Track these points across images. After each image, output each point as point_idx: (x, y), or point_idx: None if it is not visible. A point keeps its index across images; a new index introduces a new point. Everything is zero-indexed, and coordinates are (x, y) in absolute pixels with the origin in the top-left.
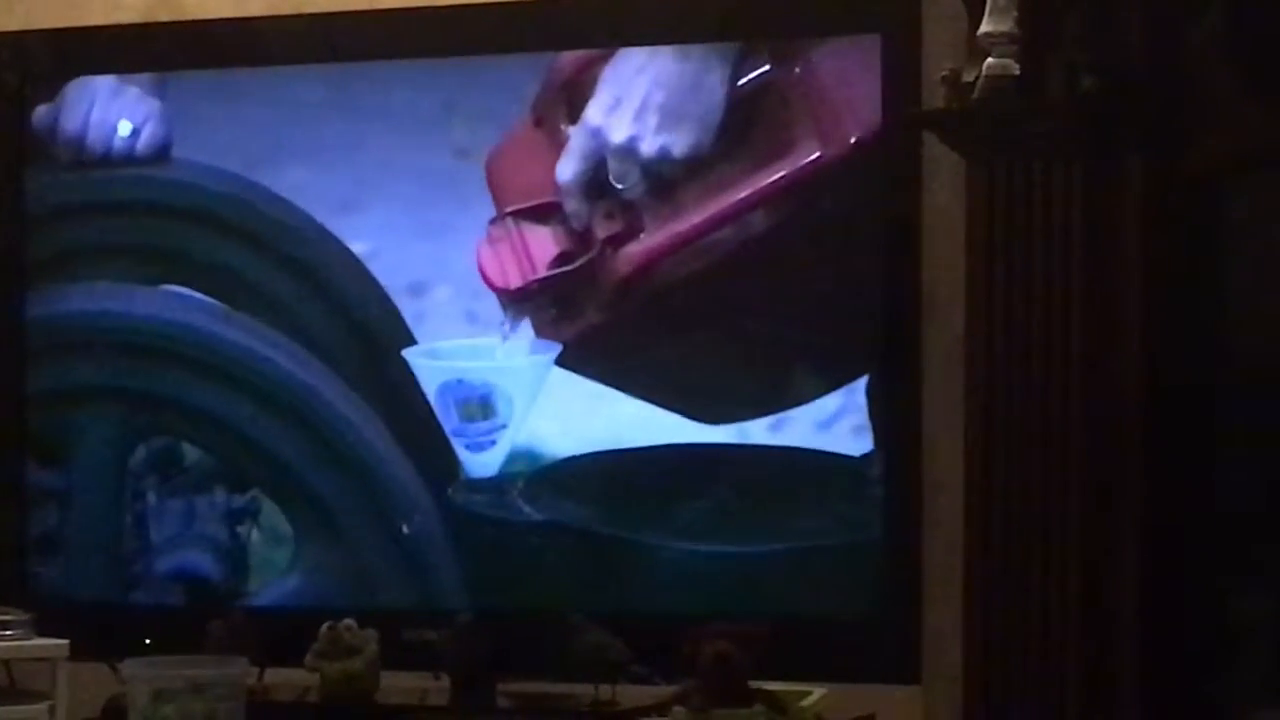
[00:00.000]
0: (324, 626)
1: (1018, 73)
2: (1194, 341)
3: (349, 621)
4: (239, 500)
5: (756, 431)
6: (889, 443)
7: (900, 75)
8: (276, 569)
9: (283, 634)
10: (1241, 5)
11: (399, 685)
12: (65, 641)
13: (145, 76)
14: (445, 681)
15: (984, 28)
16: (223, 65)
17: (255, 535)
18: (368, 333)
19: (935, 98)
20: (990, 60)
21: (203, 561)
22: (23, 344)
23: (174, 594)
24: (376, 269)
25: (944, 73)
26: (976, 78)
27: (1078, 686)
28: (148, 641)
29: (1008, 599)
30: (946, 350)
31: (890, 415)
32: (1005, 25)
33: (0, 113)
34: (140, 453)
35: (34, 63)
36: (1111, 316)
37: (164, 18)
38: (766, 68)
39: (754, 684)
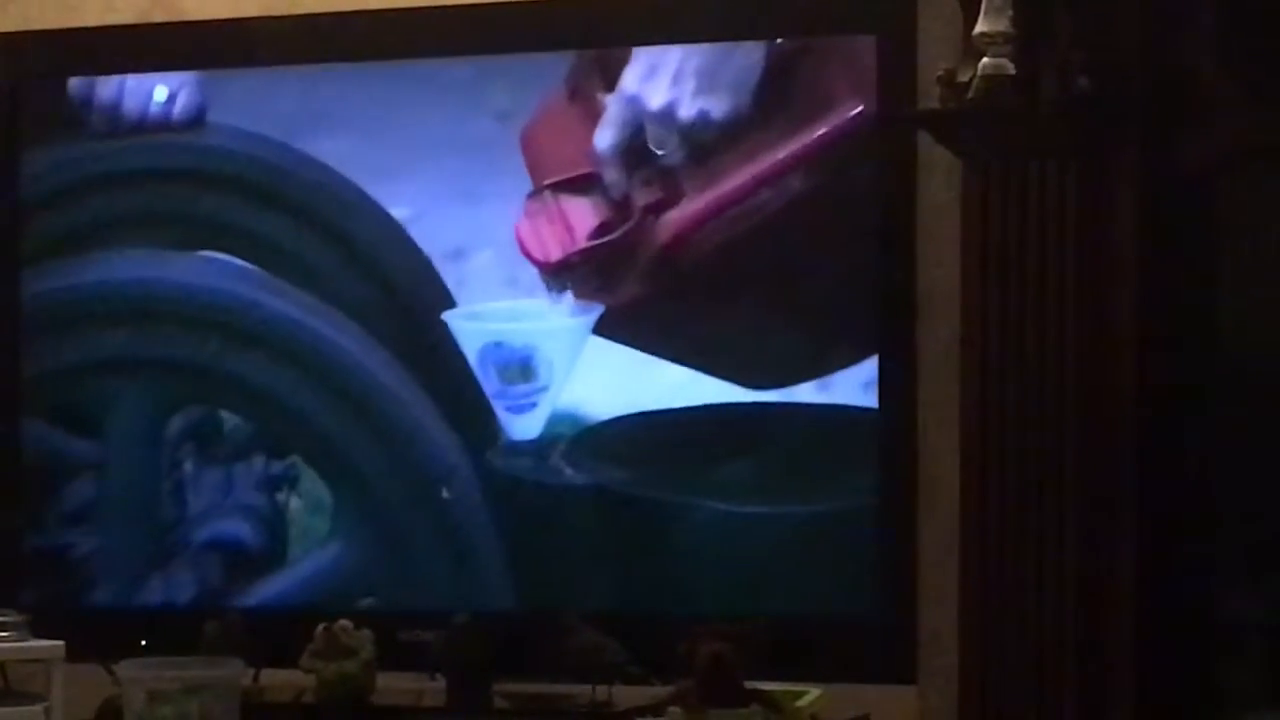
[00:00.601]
0: (319, 627)
1: (1013, 72)
2: (1188, 340)
3: (345, 622)
4: (277, 467)
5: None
6: (885, 439)
7: (896, 74)
8: (316, 537)
9: (278, 635)
10: (1234, 5)
11: (395, 686)
12: (61, 643)
13: None
14: (441, 682)
15: (979, 27)
16: (220, 66)
17: (294, 503)
18: (407, 298)
19: (931, 97)
20: (985, 60)
21: (241, 530)
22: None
23: (212, 565)
24: (416, 234)
25: (939, 72)
26: (972, 77)
27: (1073, 687)
28: (144, 643)
29: (1003, 599)
30: (942, 349)
31: (886, 413)
32: (1000, 25)
33: None
34: (177, 421)
35: (28, 63)
36: (1106, 316)
37: (159, 18)
38: None
39: (749, 684)
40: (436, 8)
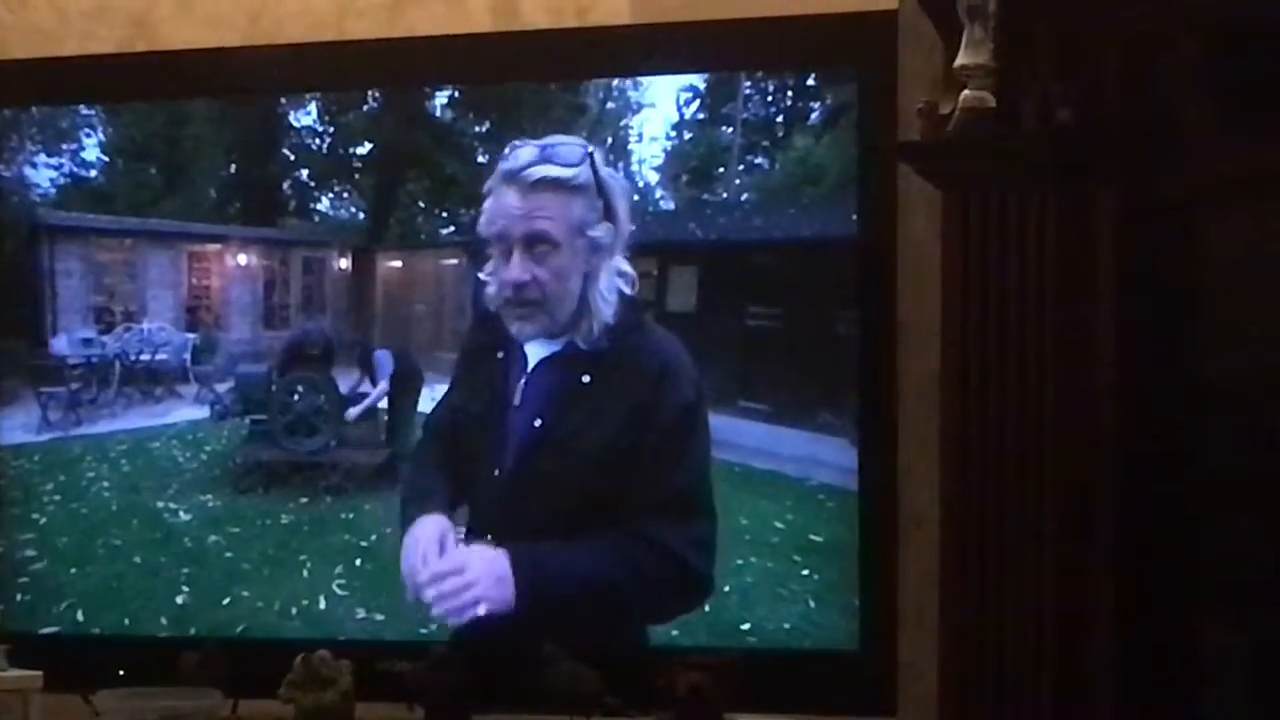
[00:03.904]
0: (298, 658)
1: (994, 104)
2: (1168, 371)
3: (323, 653)
4: None
5: None
6: (865, 475)
7: (876, 107)
8: None
9: (257, 665)
10: (1214, 38)
11: (373, 716)
12: (39, 673)
13: None
14: (419, 713)
15: (960, 60)
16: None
17: None
18: None
19: (911, 129)
20: (966, 92)
21: None
22: None
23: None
24: None
25: (920, 105)
26: (953, 110)
27: (1053, 718)
28: (121, 673)
29: (983, 630)
30: (922, 383)
31: (866, 447)
32: (981, 58)
33: None
34: None
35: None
36: (1086, 347)
37: (140, 48)
38: None
39: (728, 716)
40: (422, 38)
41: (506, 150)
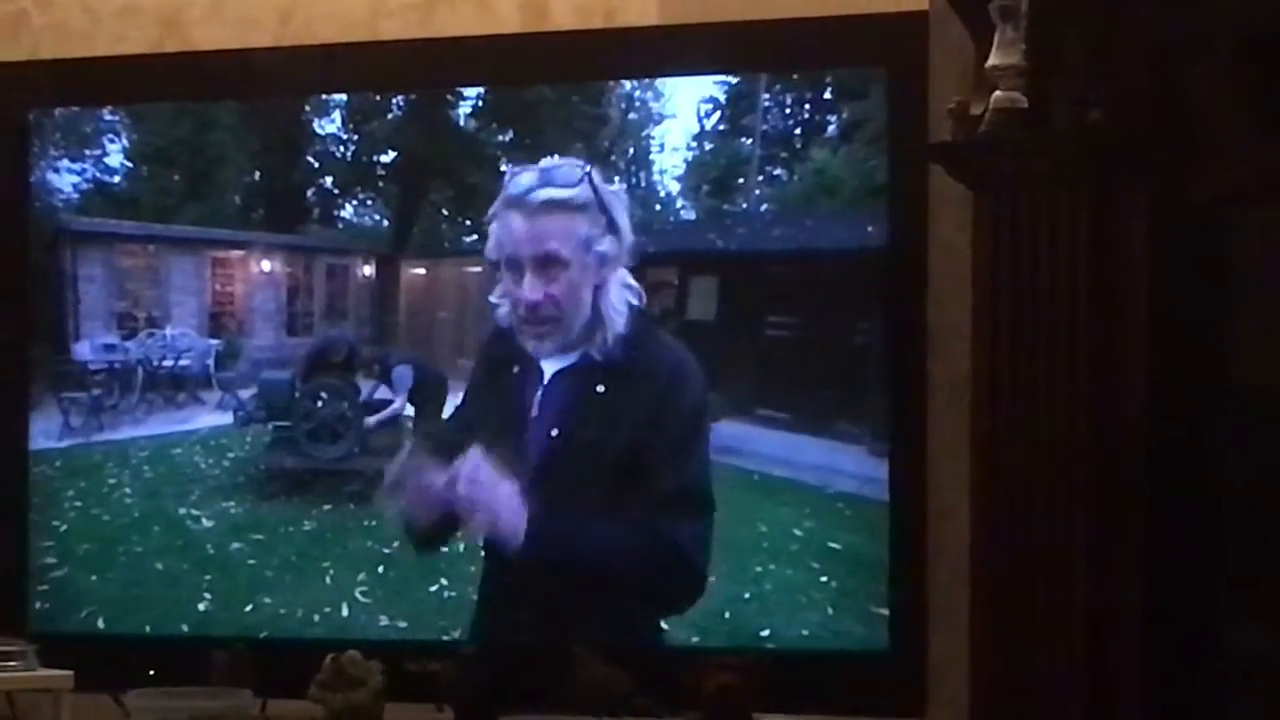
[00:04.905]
0: (328, 658)
1: (1025, 105)
2: (1199, 373)
3: (353, 653)
4: None
5: None
6: (895, 474)
7: (907, 108)
8: None
9: (286, 665)
10: (1246, 37)
11: (403, 717)
12: (69, 673)
13: None
14: (449, 713)
15: (992, 60)
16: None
17: None
18: None
19: (942, 130)
20: (998, 93)
21: None
22: None
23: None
24: None
25: (951, 105)
26: (984, 110)
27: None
28: (151, 673)
29: (1013, 631)
30: (950, 385)
31: (896, 447)
32: (1013, 58)
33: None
34: None
35: (39, 93)
36: (1117, 349)
37: (170, 49)
38: None
39: (757, 717)
40: (450, 39)
41: (506, 176)
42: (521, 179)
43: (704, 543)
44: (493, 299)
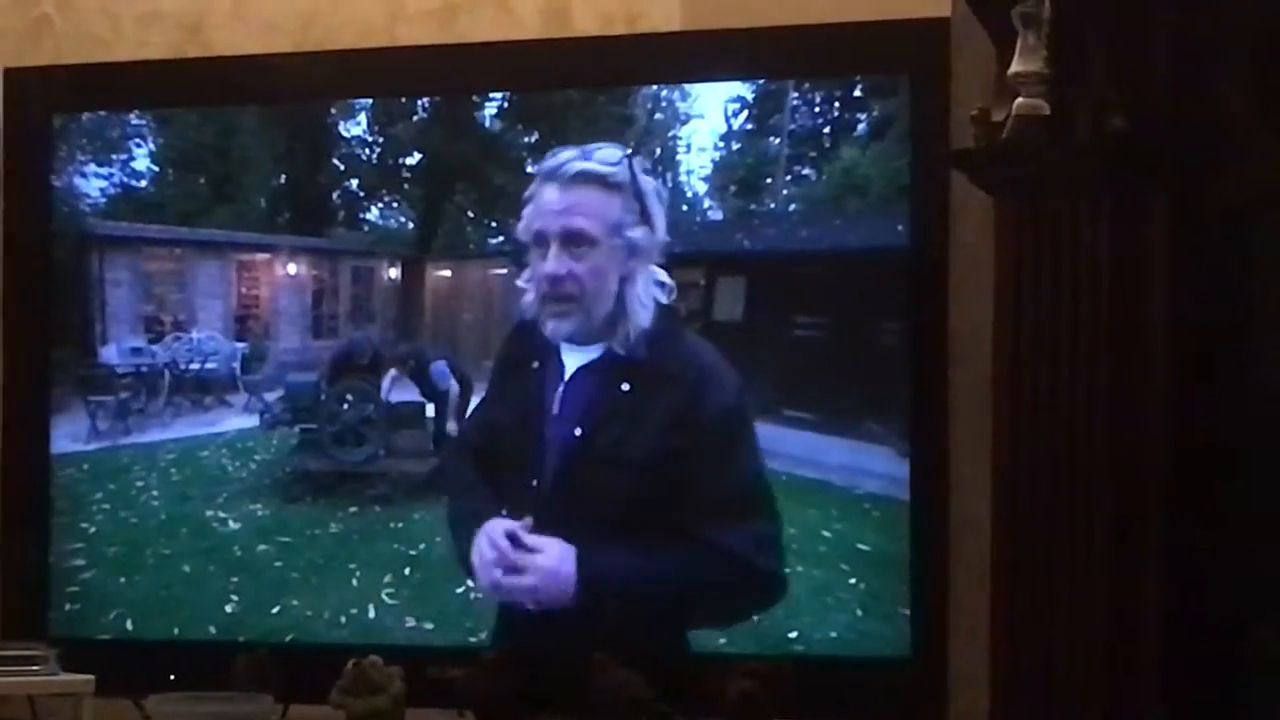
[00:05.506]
0: (349, 663)
1: (1047, 112)
2: (1221, 376)
3: (374, 658)
4: None
5: None
6: (917, 482)
7: (929, 114)
8: None
9: (309, 670)
10: (1268, 43)
11: None
12: (91, 677)
13: None
14: (470, 719)
15: (1014, 67)
16: (252, 102)
17: None
18: None
19: (964, 137)
20: (1020, 100)
21: None
22: None
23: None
24: None
25: (973, 112)
26: (1006, 117)
27: None
28: (172, 677)
29: (1034, 640)
30: (971, 389)
31: (918, 455)
32: (1035, 65)
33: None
34: None
35: (62, 98)
36: (1138, 353)
37: (192, 54)
38: None
39: None
40: (472, 44)
41: (547, 156)
42: (561, 154)
43: (772, 543)
44: (519, 283)
